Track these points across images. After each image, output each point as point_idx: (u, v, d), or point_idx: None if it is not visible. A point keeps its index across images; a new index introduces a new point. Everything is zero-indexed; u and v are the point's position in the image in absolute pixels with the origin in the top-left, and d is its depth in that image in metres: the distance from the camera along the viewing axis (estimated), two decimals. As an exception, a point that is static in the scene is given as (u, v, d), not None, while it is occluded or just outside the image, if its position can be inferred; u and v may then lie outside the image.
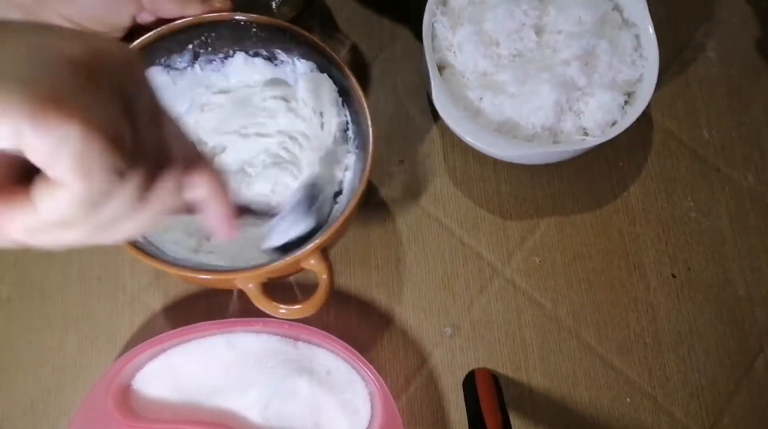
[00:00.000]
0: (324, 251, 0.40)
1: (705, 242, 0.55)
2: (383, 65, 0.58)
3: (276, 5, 0.59)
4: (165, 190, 0.26)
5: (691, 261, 0.54)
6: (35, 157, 0.21)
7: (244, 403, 0.46)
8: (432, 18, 0.52)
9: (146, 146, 0.24)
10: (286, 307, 0.39)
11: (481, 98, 0.51)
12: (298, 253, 0.38)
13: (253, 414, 0.46)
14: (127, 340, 0.49)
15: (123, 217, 0.25)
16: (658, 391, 0.51)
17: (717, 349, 0.52)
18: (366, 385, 0.47)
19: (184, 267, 0.40)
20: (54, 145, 0.21)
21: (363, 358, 0.45)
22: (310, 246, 0.39)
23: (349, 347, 0.46)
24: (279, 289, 0.44)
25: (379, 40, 0.59)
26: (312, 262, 0.39)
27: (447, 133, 0.56)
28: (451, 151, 0.56)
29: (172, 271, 0.39)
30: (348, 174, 0.47)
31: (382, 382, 0.45)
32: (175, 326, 0.48)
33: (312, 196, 0.42)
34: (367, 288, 0.52)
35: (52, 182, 0.22)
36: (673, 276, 0.54)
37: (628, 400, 0.50)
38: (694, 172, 0.57)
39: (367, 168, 0.42)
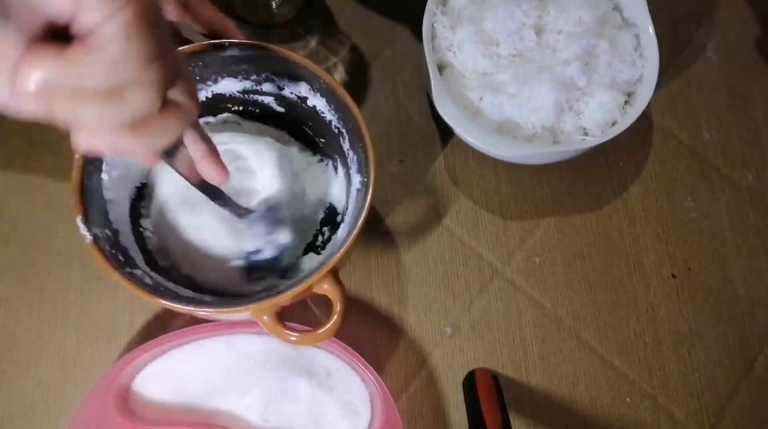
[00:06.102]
0: (336, 274, 0.39)
1: (705, 242, 0.55)
2: (383, 65, 0.58)
3: (276, 5, 0.59)
4: (175, 110, 0.27)
5: (691, 261, 0.54)
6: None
7: (244, 405, 0.46)
8: (432, 18, 0.52)
9: (168, 57, 0.25)
10: (299, 335, 0.38)
11: (481, 98, 0.51)
12: (310, 278, 0.38)
13: (253, 415, 0.46)
14: (127, 340, 0.49)
15: (129, 124, 0.25)
16: (658, 391, 0.51)
17: (717, 349, 0.52)
18: (366, 386, 0.47)
19: (197, 304, 0.38)
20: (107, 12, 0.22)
21: (363, 359, 0.45)
22: (322, 270, 0.38)
23: (349, 348, 0.46)
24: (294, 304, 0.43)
25: (379, 40, 0.59)
26: (325, 286, 0.39)
27: (447, 133, 0.56)
28: (451, 151, 0.56)
29: (184, 310, 0.38)
30: (353, 192, 0.46)
31: (382, 383, 0.45)
32: (175, 327, 0.48)
33: (275, 212, 0.45)
34: (367, 288, 0.52)
35: (89, 45, 0.23)
36: (673, 276, 0.54)
37: (628, 400, 0.50)
38: (694, 172, 0.57)
39: (370, 193, 0.41)
